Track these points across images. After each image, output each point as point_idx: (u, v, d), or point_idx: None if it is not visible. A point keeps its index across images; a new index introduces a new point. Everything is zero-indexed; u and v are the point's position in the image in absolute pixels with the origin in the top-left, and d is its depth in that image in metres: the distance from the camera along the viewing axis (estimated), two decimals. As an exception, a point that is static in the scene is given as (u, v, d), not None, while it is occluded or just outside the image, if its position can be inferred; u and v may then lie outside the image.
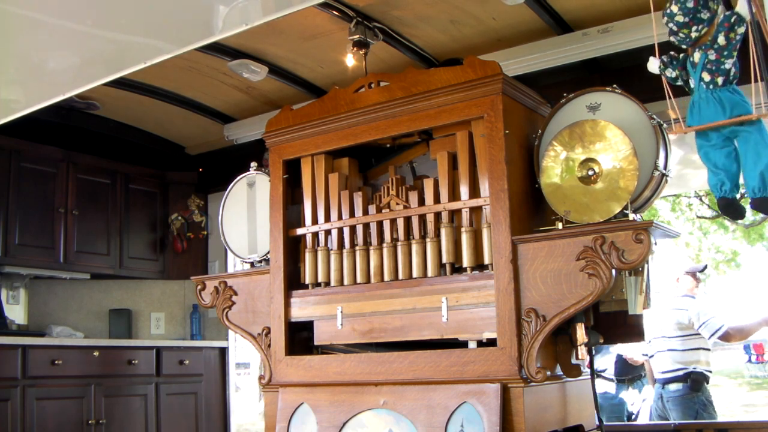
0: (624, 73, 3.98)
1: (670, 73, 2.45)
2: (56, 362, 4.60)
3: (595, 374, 4.62)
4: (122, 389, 4.98)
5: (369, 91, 3.03)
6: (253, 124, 5.12)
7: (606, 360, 5.16)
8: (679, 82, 2.48)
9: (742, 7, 2.23)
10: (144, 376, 5.11)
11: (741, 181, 2.41)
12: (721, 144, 2.34)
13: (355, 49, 3.82)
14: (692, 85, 2.39)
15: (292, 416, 2.96)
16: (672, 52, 2.47)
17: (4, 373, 4.35)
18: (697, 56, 2.35)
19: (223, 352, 5.71)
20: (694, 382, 4.59)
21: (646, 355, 5.00)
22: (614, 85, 2.73)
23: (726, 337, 4.61)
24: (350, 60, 4.05)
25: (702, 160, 2.42)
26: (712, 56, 2.30)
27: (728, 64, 2.29)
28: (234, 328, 3.32)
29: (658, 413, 4.79)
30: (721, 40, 2.27)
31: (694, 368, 4.64)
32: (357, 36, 3.76)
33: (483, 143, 2.72)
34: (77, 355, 4.76)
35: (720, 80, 2.30)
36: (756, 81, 2.18)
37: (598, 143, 2.59)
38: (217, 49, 4.07)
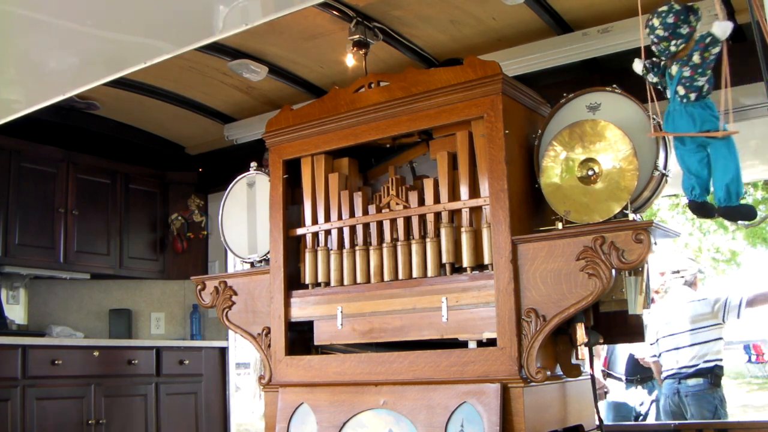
0: (624, 73, 3.95)
1: (652, 78, 2.49)
2: (56, 362, 4.60)
3: (605, 374, 4.61)
4: (122, 389, 4.98)
5: (369, 91, 3.03)
6: (253, 124, 5.12)
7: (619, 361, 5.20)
8: (660, 87, 2.51)
9: (717, 29, 2.27)
10: (144, 376, 5.11)
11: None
12: (695, 150, 2.39)
13: (355, 49, 3.82)
14: (668, 96, 2.44)
15: (292, 416, 2.96)
16: (655, 58, 2.49)
17: (4, 373, 4.36)
18: (674, 69, 2.39)
19: (223, 352, 5.72)
20: (716, 376, 4.58)
21: (655, 356, 4.99)
22: (614, 85, 2.73)
23: (751, 303, 4.60)
24: (350, 60, 4.05)
25: (678, 162, 2.47)
26: (687, 73, 2.34)
27: (701, 81, 2.34)
28: (234, 328, 3.32)
29: (672, 409, 4.73)
30: (696, 58, 2.32)
31: (718, 359, 4.62)
32: (357, 36, 3.76)
33: (483, 143, 2.72)
34: (77, 355, 4.77)
35: (693, 96, 2.35)
36: (726, 86, 2.23)
37: (598, 143, 2.59)
38: (217, 49, 4.08)
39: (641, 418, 4.98)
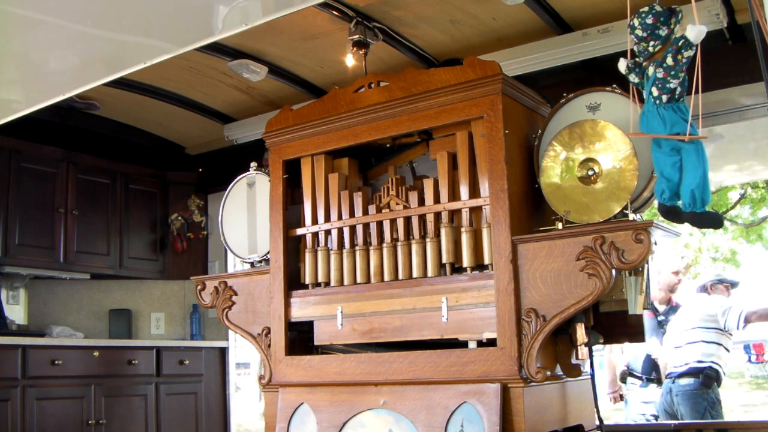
0: (624, 73, 3.98)
1: (633, 78, 2.52)
2: (56, 362, 4.60)
3: (627, 373, 4.60)
4: (122, 389, 4.99)
5: (369, 91, 3.03)
6: (253, 124, 5.12)
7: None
8: (641, 87, 2.53)
9: (690, 32, 2.28)
10: (144, 376, 5.12)
11: None
12: (669, 153, 2.42)
13: (355, 49, 3.83)
14: (645, 96, 2.47)
15: (292, 416, 2.96)
16: (638, 59, 2.50)
17: (4, 373, 4.36)
18: (650, 70, 2.42)
19: (223, 352, 5.72)
20: (707, 377, 4.58)
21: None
22: (614, 85, 2.73)
23: (749, 319, 4.60)
24: (350, 60, 4.05)
25: (653, 165, 2.49)
26: (660, 74, 2.37)
27: (673, 83, 2.36)
28: (234, 328, 3.32)
29: (665, 408, 4.76)
30: (669, 60, 2.34)
31: (714, 362, 4.63)
32: (357, 36, 3.76)
33: (483, 143, 2.72)
34: (77, 355, 4.77)
35: (665, 98, 2.38)
36: (696, 93, 2.24)
37: (598, 143, 2.59)
38: (217, 49, 4.08)
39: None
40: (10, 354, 4.40)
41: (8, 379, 4.37)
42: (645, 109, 2.45)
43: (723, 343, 4.71)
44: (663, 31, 2.35)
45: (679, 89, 2.38)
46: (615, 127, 2.57)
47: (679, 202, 2.46)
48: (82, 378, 4.74)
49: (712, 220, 2.46)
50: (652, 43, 2.37)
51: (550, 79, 4.19)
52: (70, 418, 4.63)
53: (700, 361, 4.63)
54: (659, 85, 2.37)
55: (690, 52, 2.30)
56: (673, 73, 2.34)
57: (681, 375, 4.67)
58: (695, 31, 2.27)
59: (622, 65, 2.54)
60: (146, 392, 5.11)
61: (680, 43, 2.31)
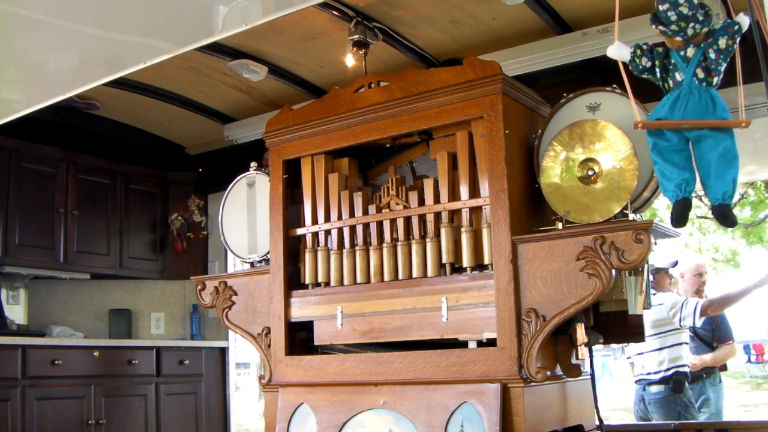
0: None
1: (645, 62, 2.42)
2: (56, 362, 4.60)
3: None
4: (122, 389, 4.99)
5: (369, 91, 3.03)
6: (253, 124, 5.13)
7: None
8: (645, 75, 2.45)
9: (742, 19, 2.28)
10: (144, 376, 5.12)
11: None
12: (680, 147, 2.35)
13: (355, 49, 3.83)
14: (679, 79, 2.36)
15: (292, 416, 2.96)
16: (648, 43, 2.44)
17: (4, 373, 4.36)
18: (690, 52, 2.34)
19: (223, 352, 5.72)
20: (676, 383, 4.55)
21: (630, 357, 4.98)
22: (614, 85, 2.72)
23: (704, 311, 4.53)
24: (350, 60, 4.05)
25: (654, 159, 2.41)
26: (712, 55, 2.31)
27: (723, 66, 2.32)
28: (234, 328, 3.32)
29: (639, 415, 4.74)
30: (722, 42, 2.30)
31: (679, 365, 4.61)
32: (357, 36, 3.76)
33: (483, 143, 2.72)
34: (77, 355, 4.77)
35: (714, 80, 2.33)
36: (742, 84, 2.22)
37: (598, 143, 2.59)
38: (217, 49, 4.08)
39: None
40: (10, 354, 4.40)
41: (8, 379, 4.37)
42: (681, 91, 2.34)
43: (682, 340, 4.65)
44: (701, 16, 2.31)
45: (722, 75, 2.34)
46: (615, 127, 2.57)
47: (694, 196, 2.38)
48: (82, 378, 4.75)
49: (733, 216, 2.38)
50: (692, 24, 2.31)
51: (550, 79, 4.19)
52: (70, 418, 4.63)
53: (667, 369, 4.59)
54: (711, 66, 2.31)
55: (738, 39, 2.28)
56: (722, 56, 2.30)
57: (651, 383, 4.65)
58: (746, 20, 2.26)
59: (622, 49, 2.43)
60: (146, 392, 5.11)
61: (735, 28, 2.28)
